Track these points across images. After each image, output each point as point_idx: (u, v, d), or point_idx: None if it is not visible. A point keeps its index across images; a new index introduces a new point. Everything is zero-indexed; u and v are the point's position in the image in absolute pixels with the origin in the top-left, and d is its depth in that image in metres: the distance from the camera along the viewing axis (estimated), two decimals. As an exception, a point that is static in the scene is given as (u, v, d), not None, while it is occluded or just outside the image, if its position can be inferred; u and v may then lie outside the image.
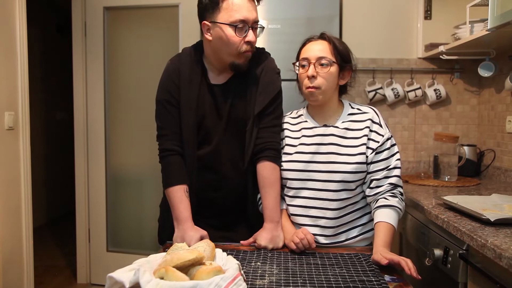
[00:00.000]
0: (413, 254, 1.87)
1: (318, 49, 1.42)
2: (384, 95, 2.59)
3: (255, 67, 1.48)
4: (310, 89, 1.41)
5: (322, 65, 1.40)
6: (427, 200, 1.76)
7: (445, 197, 1.65)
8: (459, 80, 2.63)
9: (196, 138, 1.47)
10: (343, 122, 1.45)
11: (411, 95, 2.58)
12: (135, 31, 2.91)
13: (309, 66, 1.41)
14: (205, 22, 1.41)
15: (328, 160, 1.41)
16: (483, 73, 2.29)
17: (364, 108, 1.48)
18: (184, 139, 1.46)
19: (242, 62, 1.43)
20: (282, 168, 1.47)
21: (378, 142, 1.42)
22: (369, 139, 1.42)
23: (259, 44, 1.59)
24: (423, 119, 2.66)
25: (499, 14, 1.64)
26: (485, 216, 1.35)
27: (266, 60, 1.51)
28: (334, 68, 1.41)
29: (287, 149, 1.49)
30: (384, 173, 1.42)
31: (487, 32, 1.82)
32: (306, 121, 1.50)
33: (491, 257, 1.16)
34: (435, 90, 2.56)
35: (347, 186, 1.41)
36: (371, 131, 1.43)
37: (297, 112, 1.57)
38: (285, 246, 1.40)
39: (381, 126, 1.45)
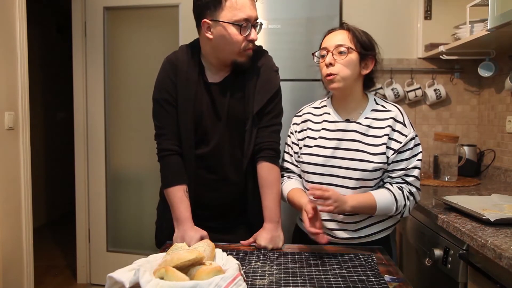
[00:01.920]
0: (413, 254, 1.88)
1: (337, 38, 1.41)
2: (384, 95, 2.59)
3: (253, 65, 1.46)
4: (328, 77, 1.40)
5: (340, 53, 1.39)
6: (427, 200, 1.76)
7: (445, 197, 1.65)
8: (459, 80, 2.63)
9: (194, 137, 1.45)
10: (365, 118, 1.42)
11: (411, 95, 2.58)
12: (135, 31, 2.91)
13: (327, 55, 1.40)
14: (206, 20, 1.38)
15: (349, 157, 1.39)
16: (483, 73, 2.29)
17: (389, 106, 1.45)
18: (182, 139, 1.45)
19: (244, 60, 1.42)
20: (301, 160, 1.46)
21: (400, 142, 1.39)
22: (390, 138, 1.39)
23: (259, 43, 1.58)
24: (423, 119, 2.66)
25: (499, 14, 1.64)
26: (485, 216, 1.35)
27: (264, 58, 1.50)
28: (353, 56, 1.39)
29: (307, 142, 1.47)
30: (402, 172, 1.39)
31: (487, 32, 1.82)
32: (328, 114, 1.47)
33: (491, 257, 1.16)
34: (435, 90, 2.56)
35: (365, 184, 1.39)
36: (393, 130, 1.39)
37: (320, 102, 1.54)
38: (284, 246, 1.40)
39: (405, 125, 1.41)
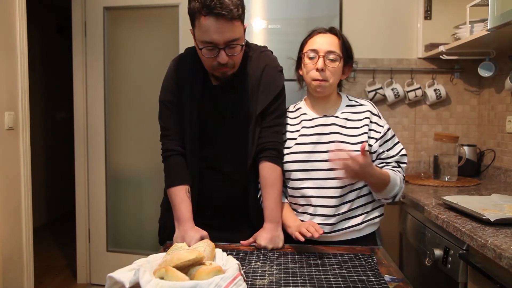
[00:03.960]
0: (413, 254, 1.88)
1: (328, 42, 1.44)
2: (384, 95, 2.59)
3: (257, 65, 1.47)
4: (318, 82, 1.43)
5: (331, 59, 1.42)
6: (427, 200, 1.76)
7: (445, 197, 1.65)
8: (459, 80, 2.63)
9: (198, 138, 1.47)
10: (342, 112, 1.48)
11: (411, 95, 2.58)
12: (135, 31, 2.91)
13: (318, 59, 1.42)
14: (191, 30, 1.39)
15: (330, 149, 1.41)
16: (483, 73, 2.29)
17: (361, 101, 1.52)
18: (186, 139, 1.46)
19: (220, 75, 1.40)
20: (284, 161, 1.47)
21: (379, 132, 1.45)
22: (370, 129, 1.45)
23: (259, 43, 1.58)
24: (423, 119, 2.66)
25: (499, 14, 1.64)
26: (485, 216, 1.35)
27: (268, 58, 1.50)
28: (341, 63, 1.44)
29: (287, 143, 1.49)
30: (395, 158, 1.46)
31: (487, 32, 1.82)
32: (305, 114, 1.51)
33: (491, 257, 1.16)
34: (435, 90, 2.56)
35: None
36: (371, 122, 1.46)
37: (294, 106, 1.57)
38: (284, 246, 1.41)
39: (380, 117, 1.49)
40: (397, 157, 1.46)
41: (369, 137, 1.44)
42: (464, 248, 1.40)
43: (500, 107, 2.38)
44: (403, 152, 1.48)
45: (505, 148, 2.33)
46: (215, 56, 1.33)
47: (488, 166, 2.45)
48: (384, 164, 1.46)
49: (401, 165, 1.47)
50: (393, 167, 1.45)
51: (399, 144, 1.49)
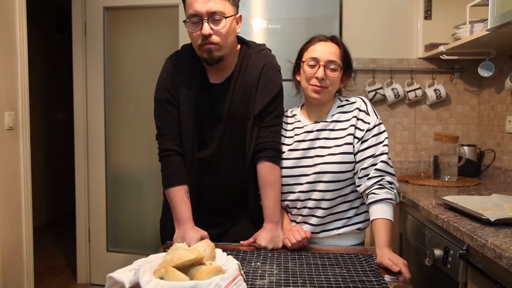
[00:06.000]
0: (413, 254, 1.87)
1: (329, 51, 1.42)
2: (384, 95, 2.59)
3: (255, 64, 1.46)
4: (317, 88, 1.41)
5: (332, 69, 1.41)
6: (427, 200, 1.76)
7: (445, 197, 1.65)
8: (459, 80, 2.63)
9: (195, 138, 1.46)
10: (332, 115, 1.47)
11: (411, 95, 2.58)
12: (135, 31, 2.91)
13: (318, 67, 1.41)
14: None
15: (316, 155, 1.43)
16: (483, 73, 2.29)
17: (352, 99, 1.50)
18: (183, 139, 1.45)
19: (205, 56, 1.39)
20: None
21: (363, 130, 1.42)
22: (355, 128, 1.43)
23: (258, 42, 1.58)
24: (423, 119, 2.66)
25: (499, 14, 1.64)
26: (485, 216, 1.35)
27: (267, 57, 1.49)
28: (341, 73, 1.44)
29: (282, 148, 1.50)
30: (371, 160, 1.40)
31: (487, 32, 1.82)
32: (299, 121, 1.52)
33: (491, 257, 1.16)
34: (435, 90, 2.56)
35: (336, 178, 1.41)
36: (358, 119, 1.44)
37: (291, 111, 1.57)
38: (285, 246, 1.41)
39: (367, 113, 1.45)
40: (372, 158, 1.39)
41: (354, 137, 1.42)
42: (464, 248, 1.40)
43: (500, 107, 2.38)
44: (383, 150, 1.40)
45: (505, 148, 2.33)
46: (200, 30, 1.35)
47: (488, 166, 2.45)
48: (365, 177, 1.39)
49: (378, 166, 1.39)
50: (376, 183, 1.37)
51: (385, 141, 1.41)
